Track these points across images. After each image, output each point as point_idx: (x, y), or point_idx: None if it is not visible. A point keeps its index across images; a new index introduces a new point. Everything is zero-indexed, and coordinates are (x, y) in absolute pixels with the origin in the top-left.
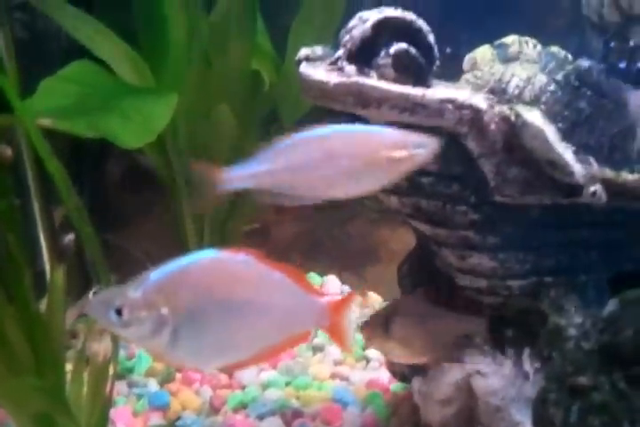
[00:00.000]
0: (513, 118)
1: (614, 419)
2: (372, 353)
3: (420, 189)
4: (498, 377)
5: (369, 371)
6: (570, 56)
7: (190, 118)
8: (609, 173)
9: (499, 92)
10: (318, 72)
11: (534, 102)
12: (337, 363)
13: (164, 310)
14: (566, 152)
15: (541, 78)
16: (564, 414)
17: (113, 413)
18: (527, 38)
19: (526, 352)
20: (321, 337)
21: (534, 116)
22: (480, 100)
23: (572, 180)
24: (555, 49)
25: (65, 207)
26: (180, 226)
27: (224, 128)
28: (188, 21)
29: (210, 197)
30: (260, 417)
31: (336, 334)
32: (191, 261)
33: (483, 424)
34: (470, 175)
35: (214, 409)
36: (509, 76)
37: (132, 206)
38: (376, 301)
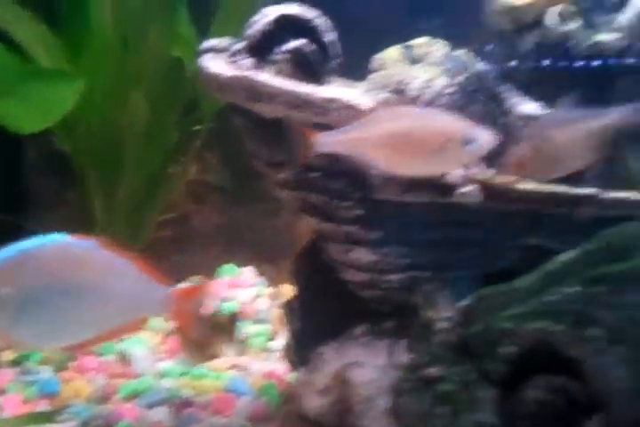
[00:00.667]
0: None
1: (455, 409)
2: (277, 344)
3: (308, 184)
4: (373, 368)
5: (270, 362)
6: (473, 60)
7: (104, 103)
8: (484, 175)
9: (400, 92)
10: (216, 64)
11: (432, 104)
12: (238, 354)
13: (6, 290)
14: None
15: (442, 81)
16: (416, 403)
17: (3, 400)
18: (437, 40)
19: (401, 344)
20: None
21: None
22: (364, 101)
23: (448, 180)
24: (460, 52)
25: None
26: (91, 213)
27: (137, 114)
28: (110, 6)
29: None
30: (149, 406)
31: (180, 320)
32: (36, 244)
33: (354, 413)
34: (355, 172)
35: (105, 398)
36: (412, 78)
37: (48, 191)
38: (289, 293)
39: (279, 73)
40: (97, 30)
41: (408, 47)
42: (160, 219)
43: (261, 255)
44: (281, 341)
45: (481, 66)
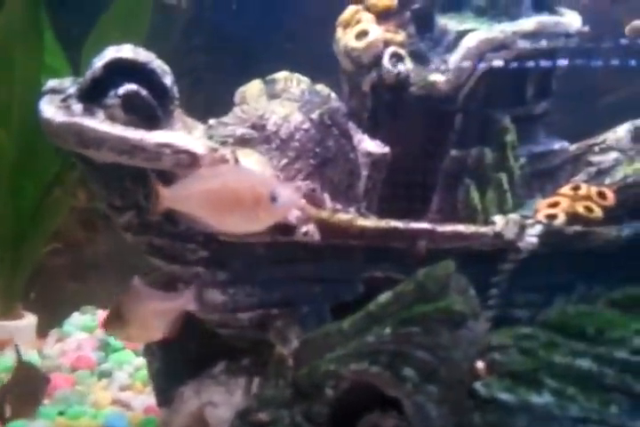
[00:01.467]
0: (232, 162)
1: None
2: None
3: (149, 228)
4: (227, 406)
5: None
6: (331, 95)
7: None
8: (324, 213)
9: (259, 127)
10: (50, 109)
11: (289, 139)
12: (122, 388)
13: None
14: None
15: (298, 117)
16: None
17: None
18: (296, 75)
19: (256, 381)
20: (111, 362)
21: (251, 162)
22: (198, 145)
23: (287, 220)
24: (319, 87)
25: None
26: None
27: (4, 147)
28: None
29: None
30: None
31: None
32: None
33: None
34: (183, 217)
35: None
36: (270, 113)
37: None
38: None
39: (111, 118)
40: None
41: (268, 82)
42: (50, 247)
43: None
44: None
45: (334, 102)
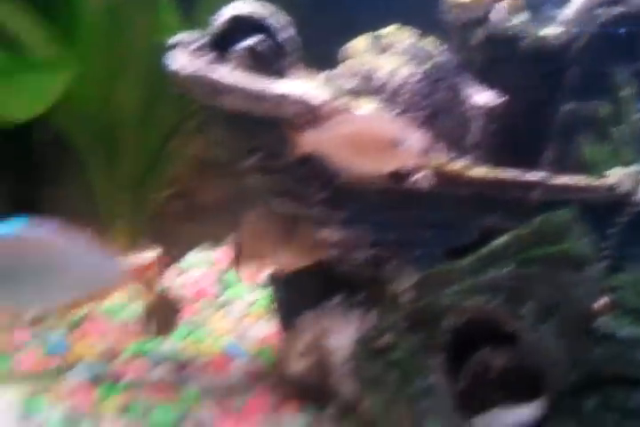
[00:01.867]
0: (348, 111)
1: (406, 374)
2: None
3: (274, 170)
4: (345, 336)
5: (268, 327)
6: (439, 49)
7: (99, 87)
8: (440, 161)
9: (367, 81)
10: (180, 60)
11: (397, 92)
12: (238, 320)
13: None
14: None
15: (406, 70)
16: (370, 370)
17: (20, 356)
18: (403, 30)
19: (371, 314)
20: (228, 294)
21: (370, 109)
22: (317, 95)
23: (407, 165)
24: (426, 42)
25: None
26: (94, 193)
27: (130, 96)
28: None
29: None
30: (152, 365)
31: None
32: (8, 228)
33: (332, 376)
34: (317, 160)
35: (113, 356)
36: (378, 67)
37: (53, 173)
38: None
39: (237, 68)
40: (84, 19)
41: (376, 37)
42: (166, 194)
43: None
44: None
45: (442, 56)
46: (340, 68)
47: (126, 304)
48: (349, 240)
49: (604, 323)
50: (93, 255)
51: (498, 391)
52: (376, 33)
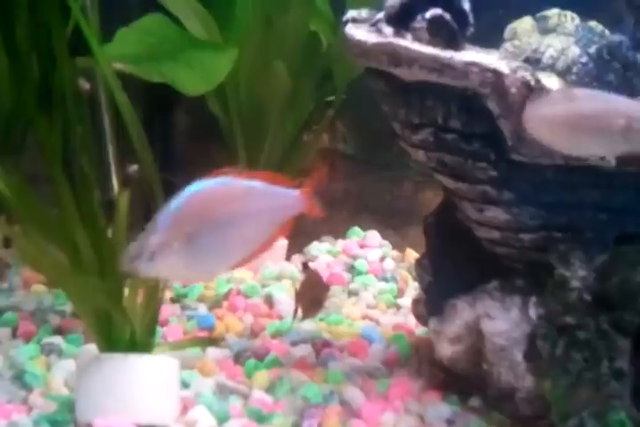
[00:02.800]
0: (533, 83)
1: (595, 355)
2: (404, 301)
3: (444, 145)
4: (504, 320)
5: (398, 316)
6: (605, 31)
7: (250, 73)
8: None
9: (533, 61)
10: (360, 33)
11: (566, 72)
12: (369, 307)
13: (176, 245)
14: None
15: (575, 50)
16: (550, 348)
17: (166, 330)
18: (567, 12)
19: (532, 300)
20: (357, 283)
21: (552, 83)
22: (502, 65)
23: None
24: (592, 24)
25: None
26: None
27: (279, 84)
28: None
29: None
30: (294, 344)
31: (311, 210)
32: (186, 196)
33: (488, 362)
34: (490, 134)
35: (254, 334)
36: (545, 47)
37: (196, 153)
38: (413, 257)
39: (417, 40)
40: (240, 5)
41: (539, 18)
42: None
43: (385, 222)
44: (407, 299)
45: (615, 36)
46: (504, 49)
47: (260, 284)
48: (516, 222)
49: None
50: (272, 191)
51: None
52: (539, 14)
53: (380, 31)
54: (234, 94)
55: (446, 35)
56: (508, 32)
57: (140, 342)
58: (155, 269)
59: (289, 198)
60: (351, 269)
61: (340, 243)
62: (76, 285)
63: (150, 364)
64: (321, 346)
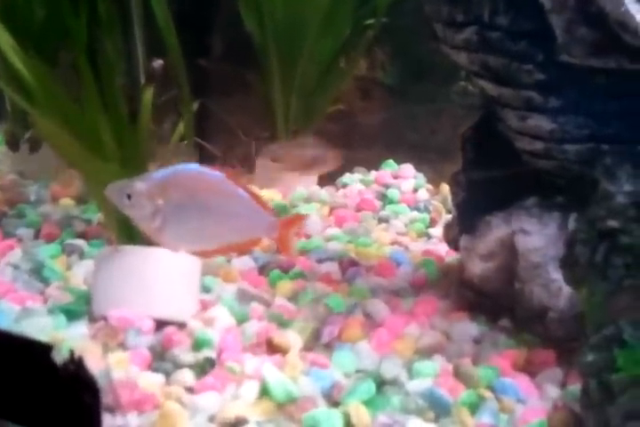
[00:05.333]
0: None
1: (637, 261)
2: (435, 231)
3: (488, 45)
4: (540, 236)
5: (429, 244)
6: None
7: None
8: None
9: None
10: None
11: None
12: (399, 234)
13: (159, 201)
14: (639, 15)
15: None
16: (589, 253)
17: None
18: None
19: (572, 217)
20: (388, 210)
21: None
22: None
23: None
24: None
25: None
26: (271, 100)
27: (318, 2)
28: None
29: None
30: (320, 261)
31: (282, 244)
32: (182, 169)
33: (520, 280)
34: (539, 32)
35: (278, 249)
36: None
37: (231, 80)
38: (448, 192)
39: None
40: None
41: None
42: (328, 111)
43: (421, 157)
44: (438, 229)
45: None
46: None
47: (289, 205)
48: (561, 131)
49: None
50: (252, 206)
51: None
52: None
53: None
54: (270, 6)
55: None
56: None
57: None
58: (129, 212)
59: (265, 220)
60: (383, 197)
61: (373, 173)
62: (95, 170)
63: (170, 258)
64: (347, 264)
